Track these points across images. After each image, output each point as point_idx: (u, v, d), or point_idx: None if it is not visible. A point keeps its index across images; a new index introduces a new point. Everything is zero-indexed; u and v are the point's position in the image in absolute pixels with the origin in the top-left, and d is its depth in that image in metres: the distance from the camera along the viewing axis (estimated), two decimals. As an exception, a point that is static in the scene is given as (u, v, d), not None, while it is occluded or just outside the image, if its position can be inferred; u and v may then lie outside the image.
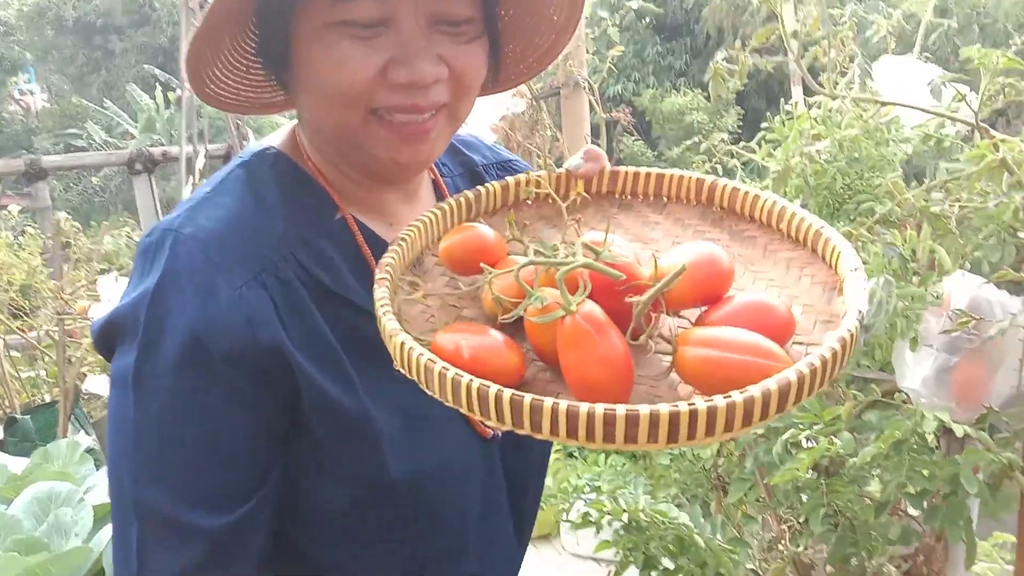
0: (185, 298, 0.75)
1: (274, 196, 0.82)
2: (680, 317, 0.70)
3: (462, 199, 0.86)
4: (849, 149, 1.39)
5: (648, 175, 0.91)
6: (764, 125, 1.52)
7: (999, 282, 1.27)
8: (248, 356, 0.75)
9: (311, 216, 0.83)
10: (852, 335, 0.63)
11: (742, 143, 1.67)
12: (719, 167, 1.67)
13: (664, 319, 0.70)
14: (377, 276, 0.74)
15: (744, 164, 1.70)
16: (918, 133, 1.44)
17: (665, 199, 0.91)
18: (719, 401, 0.57)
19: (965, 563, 1.24)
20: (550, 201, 0.91)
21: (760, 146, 1.52)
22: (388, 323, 0.67)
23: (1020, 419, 1.21)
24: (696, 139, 1.87)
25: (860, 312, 0.65)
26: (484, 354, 0.63)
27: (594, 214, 0.90)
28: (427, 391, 0.64)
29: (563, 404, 0.58)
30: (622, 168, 0.91)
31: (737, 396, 0.58)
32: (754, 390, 0.58)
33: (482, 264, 0.70)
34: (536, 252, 0.71)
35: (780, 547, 1.51)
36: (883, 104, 1.40)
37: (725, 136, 1.82)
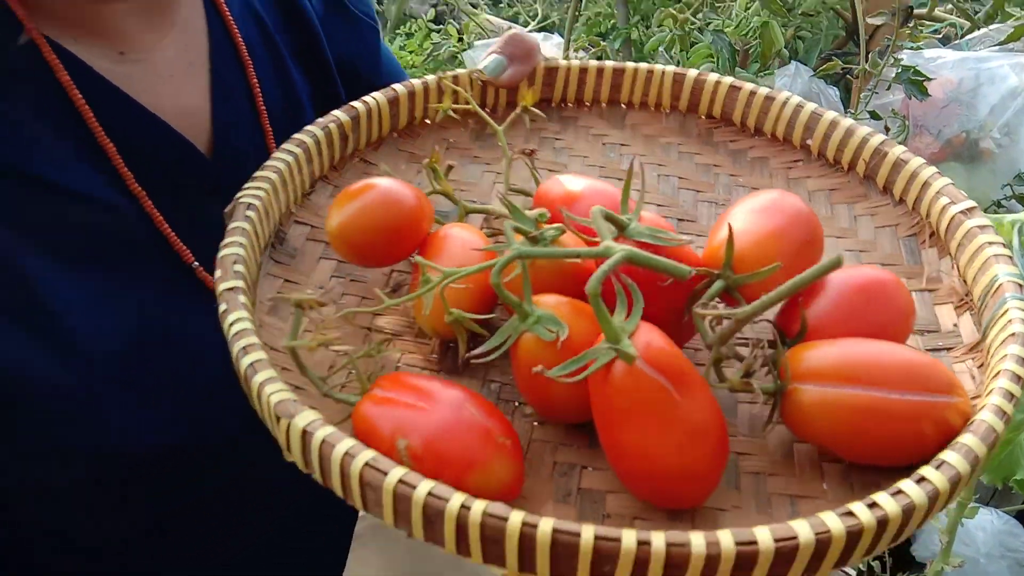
0: None
1: None
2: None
3: (331, 126, 0.54)
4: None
5: (601, 72, 0.62)
6: None
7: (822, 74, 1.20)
8: None
9: None
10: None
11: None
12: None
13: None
14: (221, 286, 0.41)
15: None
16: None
17: (625, 106, 0.63)
18: (913, 493, 0.33)
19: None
20: (459, 117, 0.61)
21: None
22: (268, 387, 0.36)
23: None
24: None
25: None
26: (454, 455, 0.34)
27: (525, 136, 0.61)
28: (362, 510, 0.35)
29: (657, 541, 0.30)
30: (559, 62, 0.62)
31: (936, 476, 0.33)
32: (956, 461, 0.34)
33: (417, 258, 0.40)
34: (513, 229, 0.41)
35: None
36: None
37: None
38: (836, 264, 0.34)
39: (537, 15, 1.81)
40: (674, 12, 1.02)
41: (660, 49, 1.02)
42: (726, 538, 0.31)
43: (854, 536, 0.32)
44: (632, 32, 1.16)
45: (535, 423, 0.42)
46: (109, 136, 0.51)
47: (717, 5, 1.19)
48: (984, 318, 0.44)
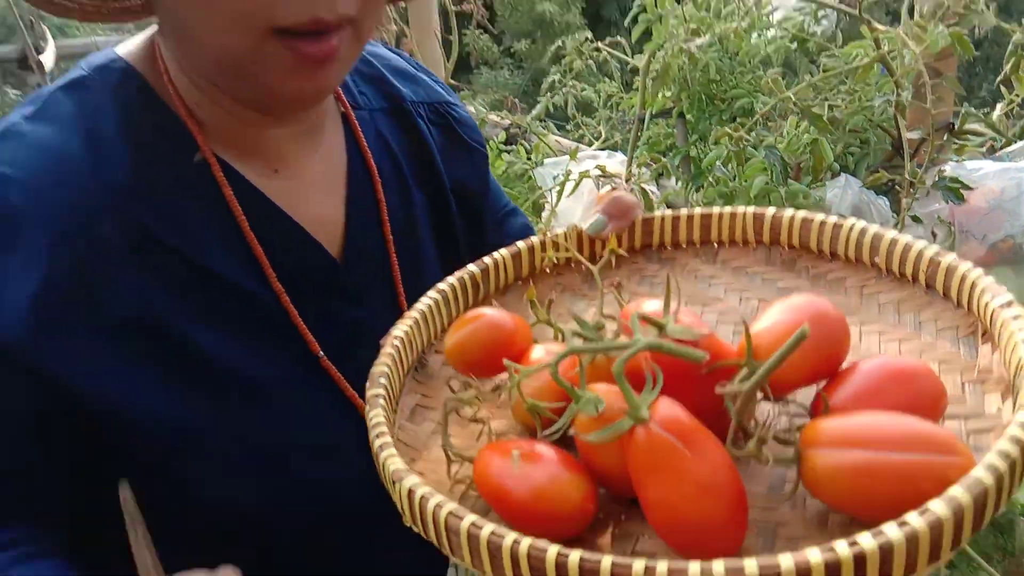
0: None
1: (113, 132, 0.61)
2: (787, 402, 0.51)
3: (466, 276, 0.68)
4: (727, 43, 1.34)
5: (691, 218, 0.73)
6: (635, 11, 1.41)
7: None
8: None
9: (164, 161, 0.62)
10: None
11: (609, 39, 1.69)
12: (591, 64, 1.70)
13: (768, 411, 0.51)
14: (369, 392, 0.55)
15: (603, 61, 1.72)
16: (786, 28, 1.40)
17: (716, 244, 0.73)
18: (892, 532, 0.38)
19: None
20: (572, 265, 0.73)
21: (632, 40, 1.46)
22: (390, 462, 0.48)
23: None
24: (560, 42, 1.82)
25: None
26: (539, 473, 0.46)
27: (628, 276, 0.72)
28: (453, 558, 0.45)
29: (661, 567, 0.38)
30: (656, 213, 0.74)
31: (917, 520, 0.39)
32: (938, 507, 0.39)
33: (505, 361, 0.52)
34: (574, 335, 0.52)
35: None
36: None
37: (587, 34, 1.80)
38: (802, 337, 0.42)
39: (601, 135, 1.95)
40: (729, 131, 1.11)
41: (717, 163, 1.12)
42: (718, 566, 0.38)
43: (832, 569, 0.38)
44: (690, 150, 1.26)
45: (607, 501, 0.50)
46: (259, 241, 0.63)
47: (769, 124, 1.27)
48: (1020, 398, 0.48)
